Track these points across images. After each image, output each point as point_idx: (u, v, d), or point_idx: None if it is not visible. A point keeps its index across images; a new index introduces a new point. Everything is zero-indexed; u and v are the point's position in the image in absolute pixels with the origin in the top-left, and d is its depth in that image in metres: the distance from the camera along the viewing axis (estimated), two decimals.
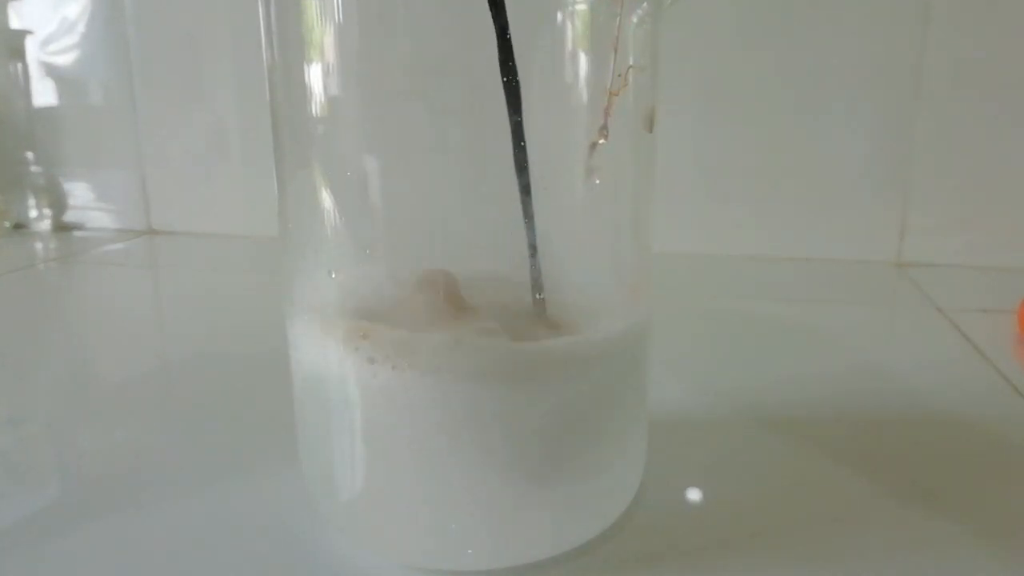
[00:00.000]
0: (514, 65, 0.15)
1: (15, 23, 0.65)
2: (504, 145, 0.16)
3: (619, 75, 0.17)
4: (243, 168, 0.62)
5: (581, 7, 0.16)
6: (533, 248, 0.16)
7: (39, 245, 0.64)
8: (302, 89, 0.17)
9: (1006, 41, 0.49)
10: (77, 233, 0.67)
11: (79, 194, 0.67)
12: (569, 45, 0.16)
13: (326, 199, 0.17)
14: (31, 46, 0.65)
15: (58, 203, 0.67)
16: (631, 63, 0.17)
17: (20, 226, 0.68)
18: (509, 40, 0.15)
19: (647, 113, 0.18)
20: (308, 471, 0.21)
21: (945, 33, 0.49)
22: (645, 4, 0.18)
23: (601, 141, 0.17)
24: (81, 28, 0.63)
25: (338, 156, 0.17)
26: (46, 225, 0.68)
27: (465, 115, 0.16)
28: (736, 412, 0.29)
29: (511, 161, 0.17)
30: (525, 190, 0.16)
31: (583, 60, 0.17)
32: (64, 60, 0.64)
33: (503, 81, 0.15)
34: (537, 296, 0.16)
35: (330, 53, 0.16)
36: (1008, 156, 0.50)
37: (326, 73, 0.17)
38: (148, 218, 0.66)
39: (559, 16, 0.16)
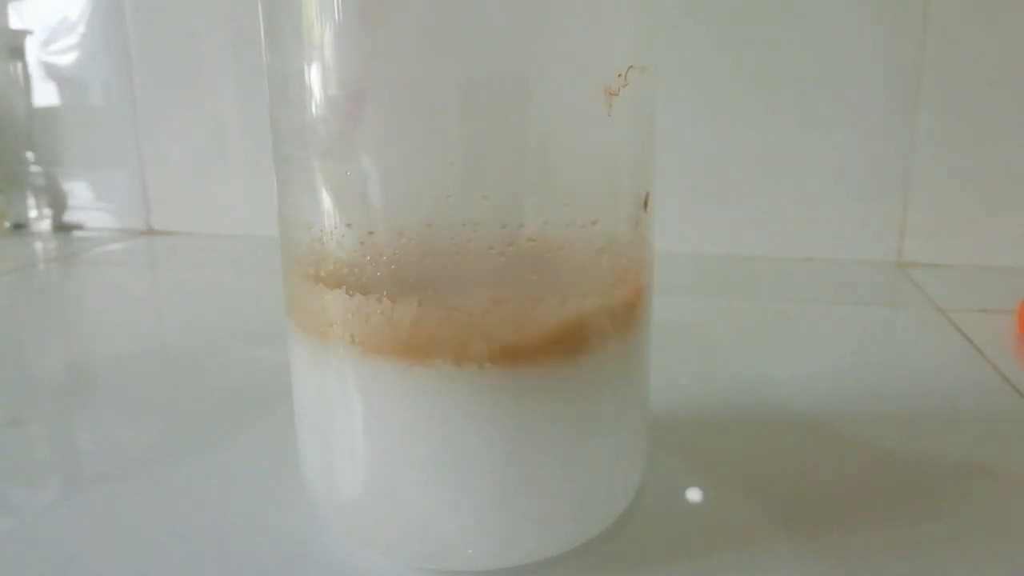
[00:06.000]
0: None
1: (15, 23, 0.65)
2: (505, 144, 0.16)
3: (619, 75, 0.17)
4: (243, 168, 0.62)
5: None
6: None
7: (39, 245, 0.64)
8: (302, 89, 0.17)
9: (1006, 41, 0.49)
10: (77, 233, 0.67)
11: (79, 194, 0.67)
12: None
13: (326, 199, 0.17)
14: (31, 46, 0.65)
15: (58, 203, 0.67)
16: (631, 64, 0.17)
17: (20, 226, 0.68)
18: None
19: (642, 197, 0.19)
20: (307, 470, 0.21)
21: (945, 33, 0.49)
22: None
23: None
24: (81, 28, 0.63)
25: (338, 156, 0.17)
26: (46, 225, 0.68)
27: (465, 114, 0.16)
28: (736, 411, 0.29)
29: (511, 160, 0.17)
30: None
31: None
32: (64, 60, 0.64)
33: None
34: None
35: (330, 53, 0.16)
36: (1008, 156, 0.50)
37: (326, 73, 0.17)
38: (148, 218, 0.66)
39: None
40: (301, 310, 0.19)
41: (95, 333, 0.42)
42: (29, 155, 0.67)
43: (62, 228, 0.67)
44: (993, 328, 0.39)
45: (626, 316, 0.19)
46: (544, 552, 0.19)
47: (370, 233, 0.17)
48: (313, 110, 0.17)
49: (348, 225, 0.17)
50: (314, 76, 0.17)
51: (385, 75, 0.16)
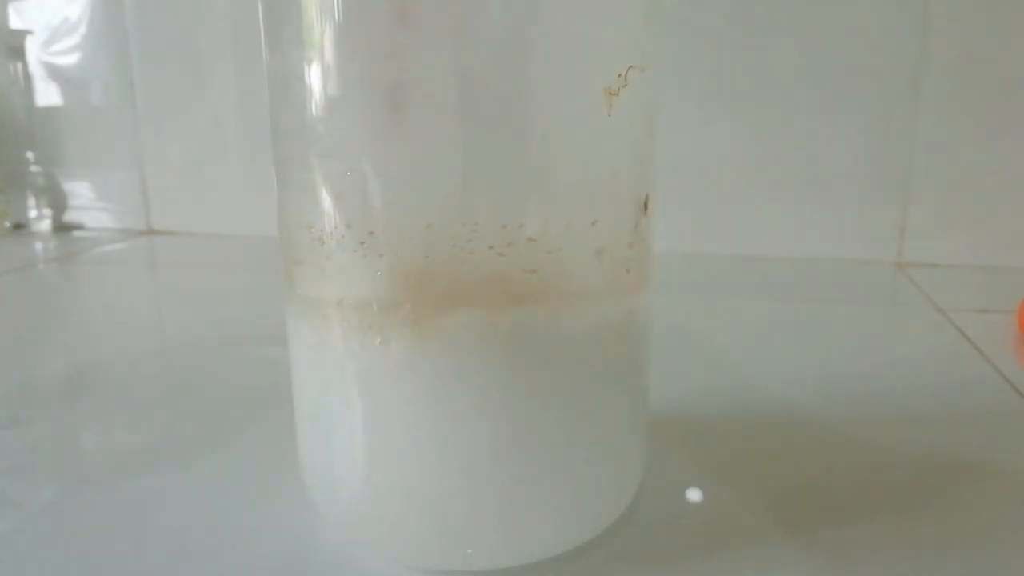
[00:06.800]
0: None
1: (15, 23, 0.65)
2: (505, 144, 0.16)
3: (619, 75, 0.17)
4: (243, 168, 0.62)
5: None
6: None
7: (39, 245, 0.64)
8: (302, 89, 0.17)
9: (1006, 41, 0.49)
10: (77, 233, 0.67)
11: (79, 194, 0.67)
12: None
13: (326, 199, 0.17)
14: (31, 46, 0.65)
15: (58, 203, 0.67)
16: (631, 64, 0.17)
17: (20, 226, 0.68)
18: None
19: (642, 198, 0.19)
20: (308, 471, 0.21)
21: (945, 33, 0.49)
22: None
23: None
24: (81, 28, 0.63)
25: (338, 156, 0.17)
26: (46, 225, 0.68)
27: (465, 114, 0.16)
28: (736, 412, 0.29)
29: (511, 160, 0.17)
30: None
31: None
32: (64, 60, 0.64)
33: None
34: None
35: (330, 53, 0.16)
36: (1008, 156, 0.50)
37: (326, 73, 0.17)
38: (148, 218, 0.66)
39: None
40: (301, 310, 0.19)
41: (95, 333, 0.42)
42: (29, 155, 0.67)
43: (62, 228, 0.68)
44: (993, 328, 0.39)
45: (626, 316, 0.19)
46: (544, 552, 0.19)
47: (370, 233, 0.17)
48: (313, 110, 0.17)
49: (348, 225, 0.17)
50: (314, 76, 0.17)
51: (385, 75, 0.16)
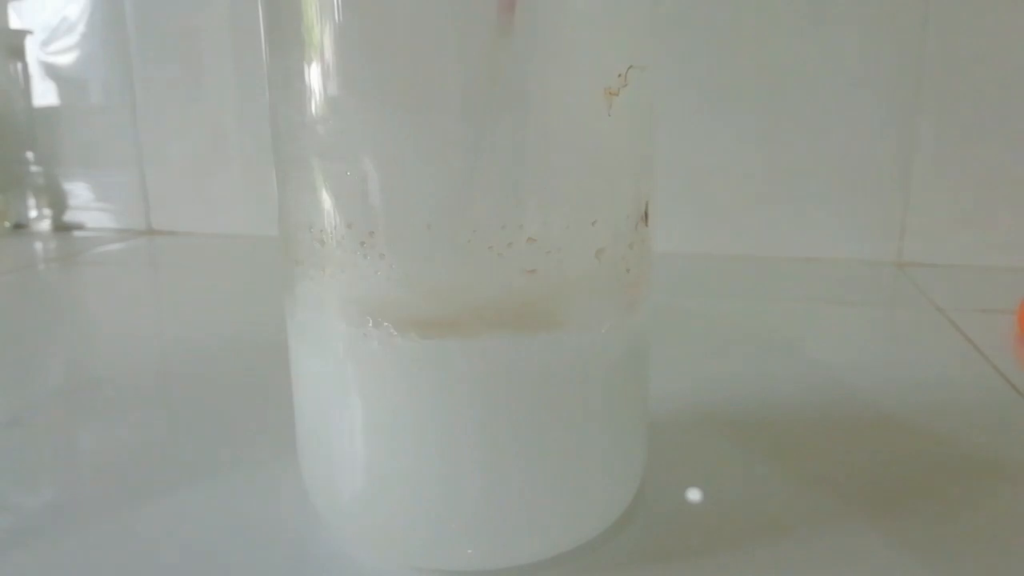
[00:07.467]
0: None
1: (15, 23, 0.65)
2: (504, 145, 0.16)
3: (619, 75, 0.17)
4: (243, 168, 0.62)
5: None
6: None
7: (39, 245, 0.64)
8: (302, 89, 0.17)
9: (1006, 41, 0.49)
10: (77, 233, 0.67)
11: (79, 194, 0.67)
12: None
13: (326, 199, 0.17)
14: (31, 46, 0.65)
15: (58, 203, 0.67)
16: (631, 64, 0.17)
17: (20, 226, 0.68)
18: None
19: (642, 198, 0.19)
20: (308, 472, 0.21)
21: (945, 33, 0.49)
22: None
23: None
24: (81, 28, 0.63)
25: (338, 156, 0.17)
26: (46, 225, 0.68)
27: (465, 114, 0.16)
28: (736, 412, 0.29)
29: (511, 161, 0.17)
30: None
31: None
32: (64, 60, 0.64)
33: None
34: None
35: (330, 53, 0.16)
36: (1008, 156, 0.50)
37: (326, 73, 0.17)
38: (148, 218, 0.66)
39: None
40: (301, 310, 0.19)
41: (95, 333, 0.42)
42: (29, 155, 0.67)
43: (62, 228, 0.68)
44: (993, 328, 0.39)
45: (625, 316, 0.19)
46: (545, 552, 0.19)
47: (370, 233, 0.17)
48: (313, 110, 0.17)
49: (348, 225, 0.17)
50: (314, 76, 0.17)
51: (385, 75, 0.16)
